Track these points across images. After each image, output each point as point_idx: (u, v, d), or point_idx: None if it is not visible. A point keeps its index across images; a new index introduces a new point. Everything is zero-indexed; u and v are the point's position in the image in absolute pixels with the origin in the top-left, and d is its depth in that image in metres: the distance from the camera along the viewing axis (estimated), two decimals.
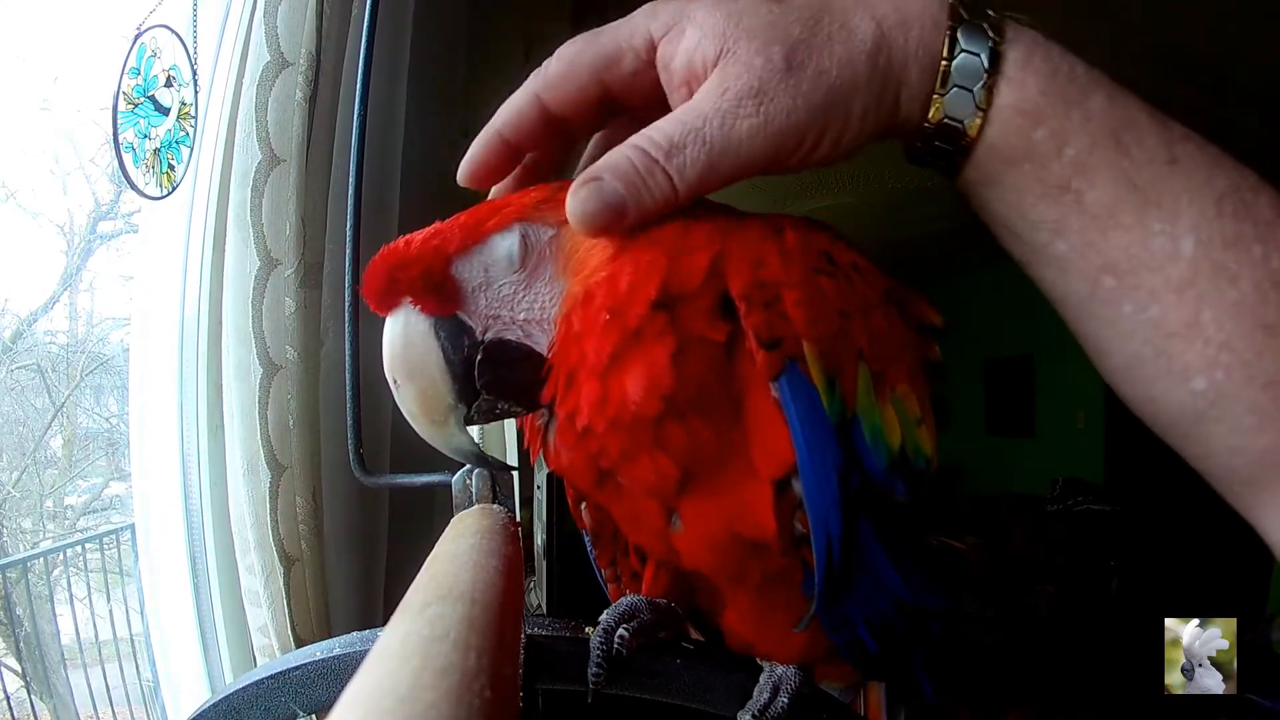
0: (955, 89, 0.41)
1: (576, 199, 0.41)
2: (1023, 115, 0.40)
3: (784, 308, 0.41)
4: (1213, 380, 0.39)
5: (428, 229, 0.45)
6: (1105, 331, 0.42)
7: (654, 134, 0.41)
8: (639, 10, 0.44)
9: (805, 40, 0.41)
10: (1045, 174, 0.40)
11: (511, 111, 0.46)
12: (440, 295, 0.43)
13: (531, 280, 0.44)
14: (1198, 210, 0.39)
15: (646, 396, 0.40)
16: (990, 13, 0.42)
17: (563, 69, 0.45)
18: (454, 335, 0.44)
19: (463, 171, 0.48)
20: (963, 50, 0.40)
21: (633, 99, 0.45)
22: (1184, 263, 0.39)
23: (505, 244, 0.44)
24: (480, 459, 0.47)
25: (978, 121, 0.41)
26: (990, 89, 0.40)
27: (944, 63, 0.41)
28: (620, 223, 0.41)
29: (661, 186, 0.41)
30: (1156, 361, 0.40)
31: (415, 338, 0.43)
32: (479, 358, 0.44)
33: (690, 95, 0.42)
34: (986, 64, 0.40)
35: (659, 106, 0.44)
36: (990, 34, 0.41)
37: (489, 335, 0.44)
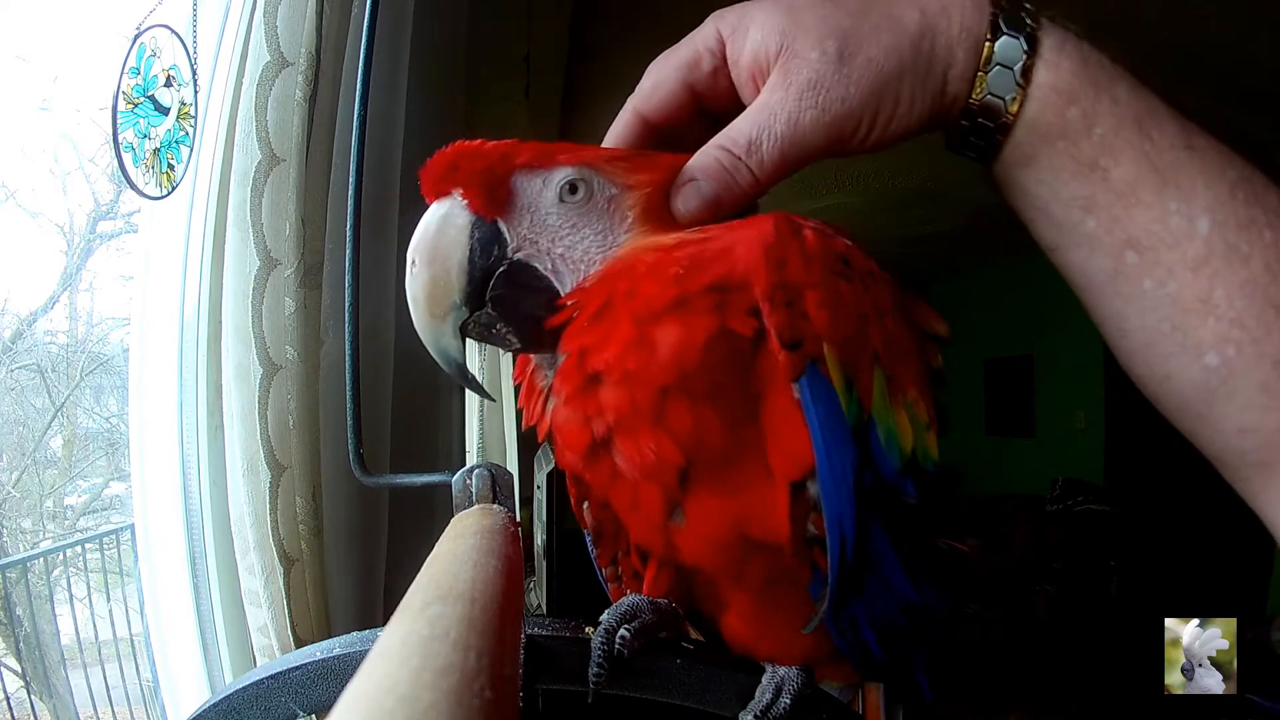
0: (997, 67, 0.44)
1: (680, 199, 0.47)
2: (1058, 94, 0.44)
3: (805, 309, 0.41)
4: (1225, 356, 0.41)
5: (504, 141, 0.47)
6: (1126, 309, 0.44)
7: (734, 134, 0.47)
8: (709, 17, 0.49)
9: (854, 31, 0.45)
10: (1077, 151, 0.44)
11: (618, 134, 0.51)
12: (491, 197, 0.45)
13: (580, 223, 0.45)
14: (1213, 194, 0.42)
15: (671, 362, 0.40)
16: (1027, 5, 0.46)
17: (653, 80, 0.50)
18: (487, 241, 0.45)
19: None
20: (1004, 33, 0.44)
21: (717, 99, 0.50)
22: (1199, 241, 0.42)
23: (572, 179, 0.45)
24: (460, 371, 0.47)
25: (1017, 100, 0.44)
26: (1029, 69, 0.44)
27: (987, 42, 0.44)
28: (717, 213, 0.47)
29: (746, 179, 0.47)
30: (1172, 337, 0.43)
31: (450, 228, 0.44)
32: (501, 270, 0.45)
33: (757, 89, 0.47)
34: (1025, 46, 0.44)
35: (740, 106, 0.48)
36: (1028, 21, 0.45)
37: (519, 255, 0.45)
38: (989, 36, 0.44)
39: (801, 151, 0.46)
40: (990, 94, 0.45)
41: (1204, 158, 0.43)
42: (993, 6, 0.45)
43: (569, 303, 0.44)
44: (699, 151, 0.47)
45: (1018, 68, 0.44)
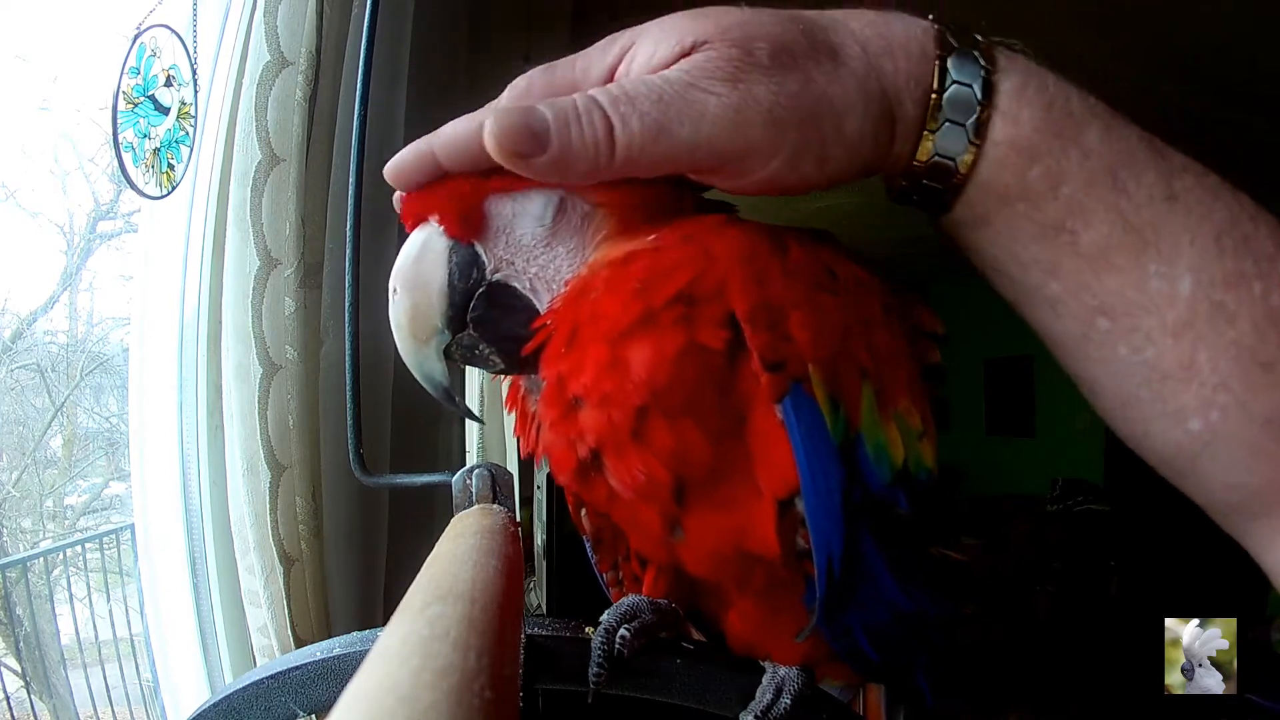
0: (947, 124, 0.38)
1: (499, 113, 0.36)
2: (1018, 152, 0.38)
3: (788, 329, 0.40)
4: (1208, 421, 0.38)
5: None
6: (1099, 372, 0.41)
7: (609, 86, 0.37)
8: (596, 44, 0.41)
9: (790, 45, 0.37)
10: (1039, 214, 0.38)
11: (453, 136, 0.41)
12: (466, 221, 0.44)
13: (554, 242, 0.45)
14: (1197, 250, 0.37)
15: (645, 380, 0.40)
16: (979, 38, 0.39)
17: (512, 103, 0.41)
18: (465, 264, 0.45)
19: (388, 170, 0.45)
20: (954, 81, 0.37)
21: None
22: (1182, 304, 0.37)
23: (543, 199, 0.45)
24: (446, 394, 0.47)
25: (970, 158, 0.38)
26: (984, 123, 0.38)
27: (933, 96, 0.38)
28: (537, 153, 0.36)
29: (597, 130, 0.36)
30: (1152, 403, 0.39)
31: (429, 254, 0.44)
32: (481, 291, 0.45)
33: None
34: (980, 95, 0.37)
35: None
36: (982, 62, 0.38)
37: (497, 276, 0.45)
38: (935, 88, 0.37)
39: (689, 137, 0.35)
40: (939, 155, 0.38)
41: (1187, 205, 0.37)
42: (938, 48, 0.38)
43: (543, 326, 0.44)
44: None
45: (970, 122, 0.37)
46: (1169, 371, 0.38)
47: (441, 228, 0.44)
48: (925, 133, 0.38)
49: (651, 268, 0.41)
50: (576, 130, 0.36)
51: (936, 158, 0.38)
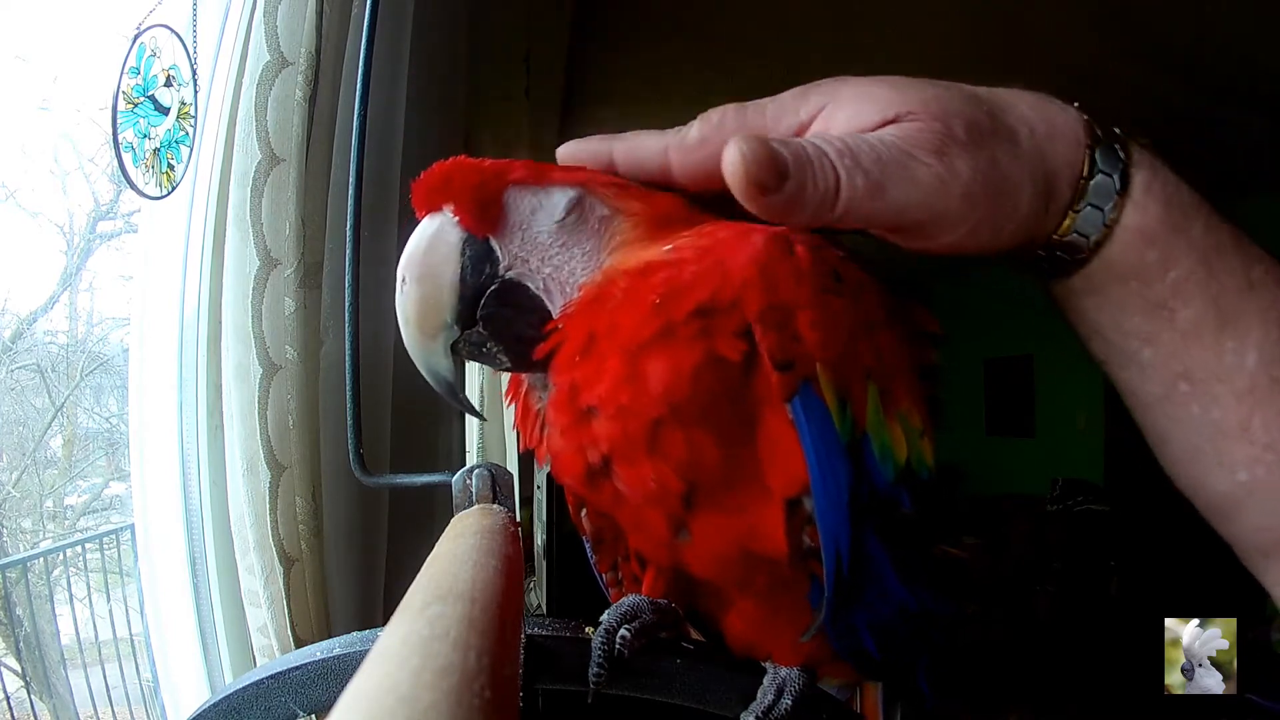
0: (1089, 207, 0.43)
1: (748, 141, 0.38)
2: (1141, 238, 0.43)
3: (797, 329, 0.40)
4: (1254, 474, 0.44)
5: (498, 160, 0.45)
6: (1171, 427, 0.46)
7: (830, 137, 0.40)
8: (789, 91, 0.44)
9: (980, 124, 0.41)
10: (1148, 292, 0.44)
11: (638, 145, 0.45)
12: (483, 213, 0.44)
13: (570, 243, 0.44)
14: (1263, 331, 0.44)
15: (663, 394, 0.40)
16: (1116, 131, 0.44)
17: (703, 137, 0.43)
18: (478, 259, 0.44)
19: (563, 148, 0.47)
20: (1099, 170, 0.42)
21: None
22: (1246, 375, 0.44)
23: (562, 198, 0.44)
24: (452, 391, 0.46)
25: (1100, 238, 0.43)
26: (1119, 209, 0.42)
27: (1082, 180, 0.43)
28: (775, 188, 0.38)
29: (827, 178, 0.39)
30: (1210, 455, 0.45)
31: (441, 245, 0.43)
32: (493, 288, 0.44)
33: None
34: (1118, 185, 0.42)
35: None
36: (1121, 155, 0.43)
37: (510, 274, 0.44)
38: (1084, 174, 0.42)
39: (900, 199, 0.39)
40: (1076, 232, 0.43)
41: (1260, 293, 0.44)
42: (1088, 138, 0.43)
43: (554, 329, 0.43)
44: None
45: (1108, 208, 0.42)
46: (1229, 430, 0.44)
47: (456, 218, 0.43)
48: (1070, 212, 0.43)
49: (671, 281, 0.41)
50: (812, 175, 0.39)
51: (1074, 234, 0.43)
